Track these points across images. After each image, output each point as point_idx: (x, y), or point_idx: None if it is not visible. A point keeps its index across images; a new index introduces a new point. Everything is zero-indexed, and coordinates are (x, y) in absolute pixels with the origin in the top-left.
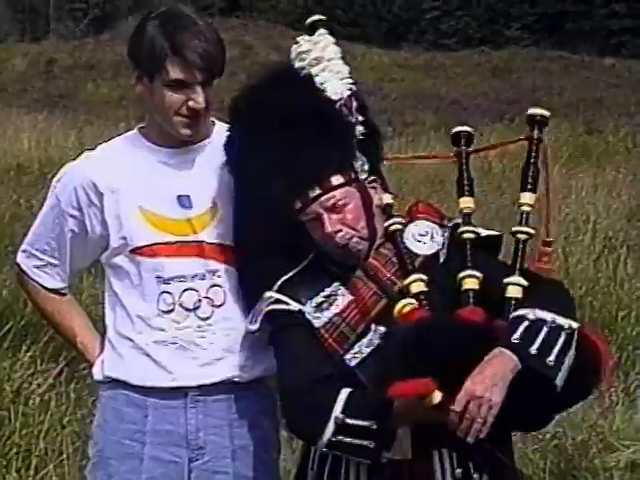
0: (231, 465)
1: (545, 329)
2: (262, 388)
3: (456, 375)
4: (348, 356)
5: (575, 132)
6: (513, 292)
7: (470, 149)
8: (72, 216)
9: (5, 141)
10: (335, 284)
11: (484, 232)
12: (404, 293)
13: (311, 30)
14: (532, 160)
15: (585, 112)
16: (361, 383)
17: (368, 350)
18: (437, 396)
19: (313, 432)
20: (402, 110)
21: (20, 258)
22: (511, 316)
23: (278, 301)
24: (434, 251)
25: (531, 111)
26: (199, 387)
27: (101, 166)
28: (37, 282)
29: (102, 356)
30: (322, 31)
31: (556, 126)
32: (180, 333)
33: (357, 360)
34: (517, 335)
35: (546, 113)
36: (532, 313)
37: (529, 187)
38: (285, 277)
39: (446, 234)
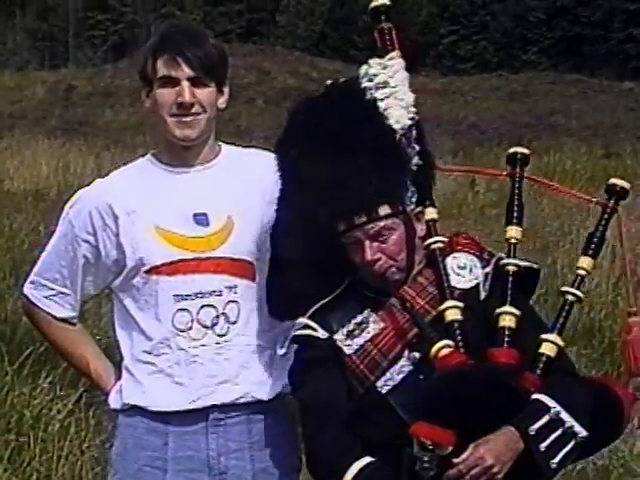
0: None
1: (560, 431)
2: (281, 408)
3: (472, 430)
4: (380, 383)
5: (593, 155)
6: (547, 349)
7: (525, 173)
8: (86, 241)
9: (24, 167)
10: (366, 311)
11: (525, 264)
12: (439, 320)
13: (373, 17)
14: (601, 228)
15: (603, 135)
16: (393, 410)
17: (400, 377)
18: (449, 448)
19: None
20: None
21: (28, 289)
22: (538, 397)
23: (307, 327)
24: (472, 285)
25: (612, 181)
26: (219, 407)
27: (116, 189)
28: (47, 312)
29: (118, 384)
30: (394, 54)
31: (574, 150)
32: (199, 351)
33: (389, 387)
34: (534, 427)
35: (626, 185)
36: (555, 409)
37: (590, 252)
38: (318, 305)
39: (487, 269)
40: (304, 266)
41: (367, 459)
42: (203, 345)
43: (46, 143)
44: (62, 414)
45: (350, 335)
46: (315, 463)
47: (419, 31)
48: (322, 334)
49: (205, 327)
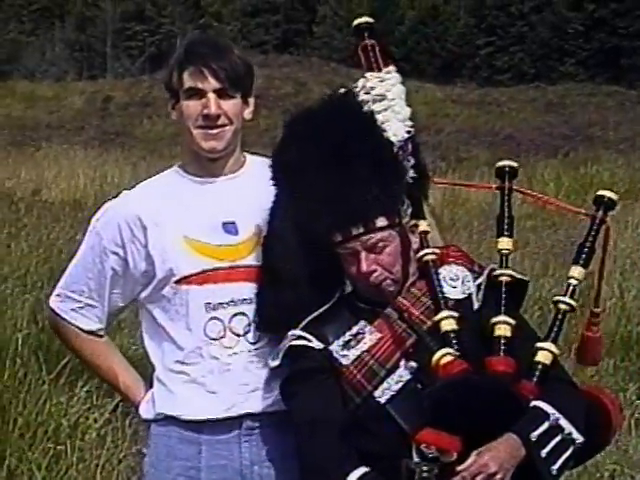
0: None
1: (559, 437)
2: None
3: (474, 437)
4: (377, 392)
5: (631, 167)
6: (542, 358)
7: (514, 185)
8: (114, 253)
9: (62, 177)
10: (362, 322)
11: (517, 275)
12: (434, 330)
13: (357, 34)
14: (590, 238)
15: None
16: (391, 419)
17: (398, 387)
18: (454, 455)
19: None
20: (456, 145)
21: (54, 303)
22: (537, 404)
23: (300, 338)
24: (465, 296)
25: (600, 192)
26: (252, 415)
27: (143, 200)
28: (75, 325)
29: (149, 394)
30: (391, 68)
31: (612, 161)
32: (233, 359)
33: (387, 397)
34: (535, 434)
35: (614, 197)
36: (555, 416)
37: (581, 262)
38: (311, 316)
39: (480, 279)
40: (298, 277)
41: (363, 469)
42: (236, 353)
43: (83, 153)
44: (99, 423)
45: (346, 346)
46: (310, 474)
47: (456, 42)
48: (317, 345)
49: (237, 335)
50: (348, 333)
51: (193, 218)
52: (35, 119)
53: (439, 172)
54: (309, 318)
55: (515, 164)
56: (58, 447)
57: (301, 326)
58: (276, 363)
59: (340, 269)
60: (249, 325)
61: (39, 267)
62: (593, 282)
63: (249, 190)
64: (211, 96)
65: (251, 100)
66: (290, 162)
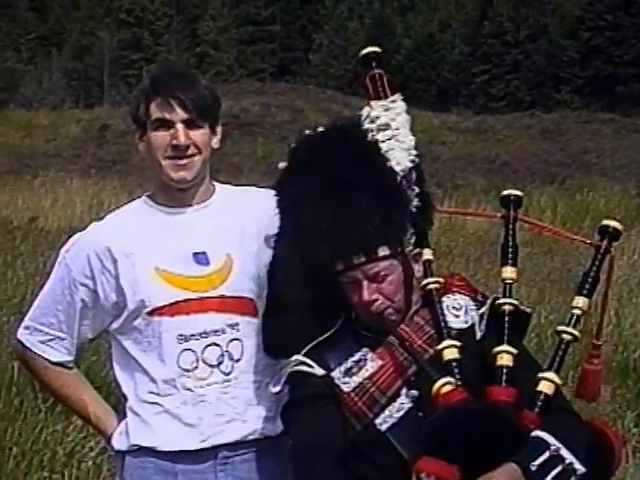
0: None
1: (560, 467)
2: (285, 445)
3: (474, 466)
4: (379, 420)
5: (627, 194)
6: (545, 387)
7: (519, 215)
8: (84, 285)
9: (58, 206)
10: (364, 349)
11: (521, 307)
12: (436, 359)
13: (364, 64)
14: (594, 268)
15: (637, 174)
16: (391, 447)
17: (399, 415)
18: None
19: None
20: (452, 172)
21: (23, 335)
22: (538, 434)
23: (302, 363)
24: (467, 326)
25: (605, 222)
26: (228, 445)
27: (113, 232)
28: (43, 357)
29: (122, 425)
30: (396, 97)
31: (608, 189)
32: (206, 390)
33: (388, 425)
34: (536, 464)
35: (619, 227)
36: (555, 446)
37: (585, 292)
38: (313, 343)
39: (483, 309)
40: (301, 304)
41: None
42: (209, 385)
43: (80, 181)
44: (95, 451)
45: (348, 373)
46: None
47: (452, 70)
48: (318, 371)
49: (211, 366)
50: (350, 360)
51: (164, 249)
52: (32, 147)
53: (435, 199)
54: (311, 344)
55: (520, 193)
56: (54, 476)
57: (303, 352)
58: (277, 389)
59: (343, 297)
60: (222, 355)
61: (35, 295)
62: (590, 309)
63: (219, 219)
64: (179, 127)
65: (219, 129)
66: (293, 190)
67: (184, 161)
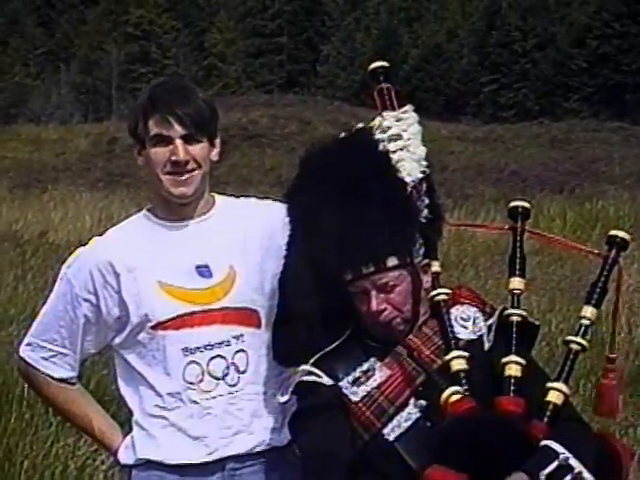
0: None
1: (569, 477)
2: (292, 456)
3: (483, 476)
4: (386, 430)
5: (636, 202)
6: (554, 397)
7: (527, 225)
8: (86, 300)
9: (68, 219)
10: (372, 359)
11: (529, 318)
12: (444, 369)
13: (372, 78)
14: (603, 278)
15: None
16: (399, 457)
17: (407, 424)
18: None
19: None
20: (461, 182)
21: (25, 352)
22: (547, 443)
23: (310, 373)
24: (475, 337)
25: (613, 232)
26: (235, 457)
27: (115, 247)
28: (46, 373)
29: (128, 439)
30: (408, 108)
31: (617, 197)
32: (212, 403)
33: (396, 434)
34: (545, 472)
35: (627, 237)
36: (565, 455)
37: (593, 302)
38: (321, 352)
39: (491, 320)
40: (310, 313)
41: None
42: (215, 397)
43: (89, 195)
44: (106, 465)
45: (356, 382)
46: None
47: (460, 80)
48: (327, 381)
49: (216, 378)
50: (358, 370)
51: (166, 263)
52: (41, 162)
53: (445, 210)
54: (320, 354)
55: (527, 205)
56: None
57: (311, 362)
58: (285, 398)
59: (352, 307)
60: (228, 367)
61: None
62: (599, 319)
63: (221, 231)
64: (178, 142)
65: (217, 141)
66: (303, 200)
67: (184, 177)
